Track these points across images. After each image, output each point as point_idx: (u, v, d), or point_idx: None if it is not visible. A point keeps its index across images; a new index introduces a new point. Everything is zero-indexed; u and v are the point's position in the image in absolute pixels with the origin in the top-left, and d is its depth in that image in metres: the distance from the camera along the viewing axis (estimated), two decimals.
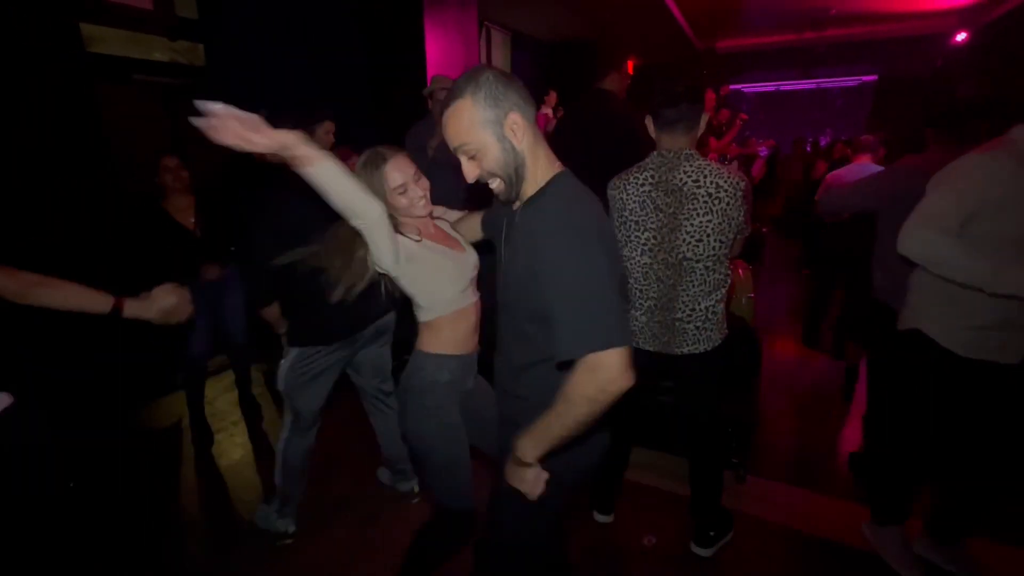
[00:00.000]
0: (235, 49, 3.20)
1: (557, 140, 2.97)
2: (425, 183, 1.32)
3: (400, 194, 1.27)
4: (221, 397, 3.06)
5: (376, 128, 3.89)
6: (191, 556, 1.97)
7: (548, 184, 1.01)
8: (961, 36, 7.29)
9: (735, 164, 4.60)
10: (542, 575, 1.28)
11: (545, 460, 1.02)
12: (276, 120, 0.98)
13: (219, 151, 1.95)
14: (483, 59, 6.43)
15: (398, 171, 1.26)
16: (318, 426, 1.97)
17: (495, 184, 1.02)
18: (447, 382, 1.33)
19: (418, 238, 1.29)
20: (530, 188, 1.03)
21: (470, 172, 1.01)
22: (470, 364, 1.42)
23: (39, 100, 2.51)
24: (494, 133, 0.96)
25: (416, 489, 2.21)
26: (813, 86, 10.38)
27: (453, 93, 0.97)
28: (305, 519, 2.05)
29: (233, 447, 2.64)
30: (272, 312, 1.89)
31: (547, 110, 5.08)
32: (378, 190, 1.24)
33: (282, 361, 1.84)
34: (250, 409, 2.92)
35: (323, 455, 2.52)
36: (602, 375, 0.86)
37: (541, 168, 1.02)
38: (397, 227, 1.25)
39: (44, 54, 2.51)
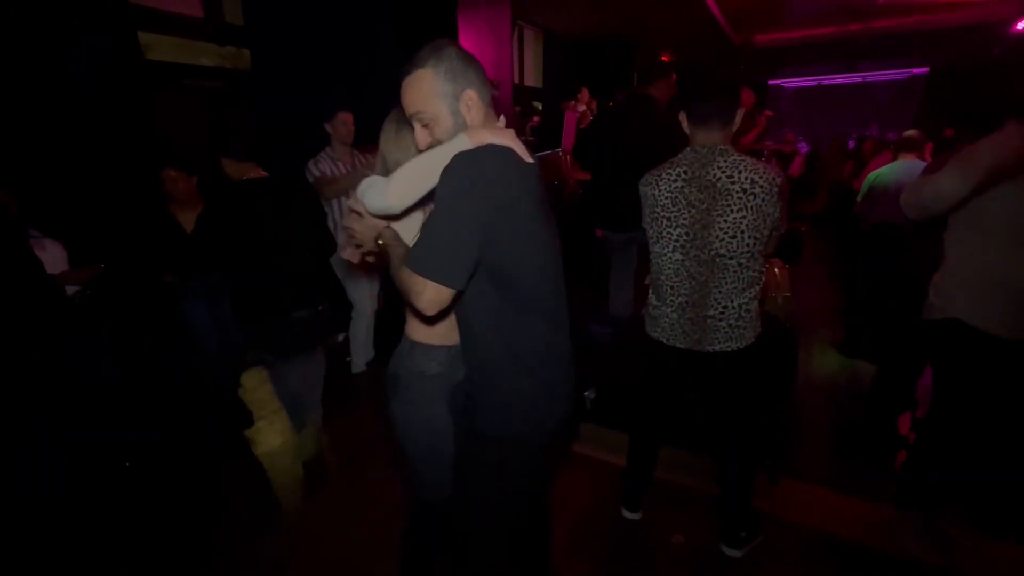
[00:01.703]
0: (278, 53, 3.34)
1: (595, 138, 3.01)
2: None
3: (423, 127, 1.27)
4: (261, 388, 3.19)
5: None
6: (222, 545, 2.05)
7: (479, 148, 0.99)
8: (1022, 24, 6.86)
9: (773, 161, 4.48)
10: (508, 540, 1.24)
11: (507, 424, 1.10)
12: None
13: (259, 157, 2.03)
14: (515, 57, 6.46)
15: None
16: None
17: None
18: (434, 375, 1.28)
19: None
20: None
21: (422, 139, 1.06)
22: (457, 353, 1.36)
23: (104, 106, 2.69)
24: (449, 106, 1.01)
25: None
26: (858, 80, 9.95)
27: (415, 61, 1.01)
28: (333, 512, 2.13)
29: (273, 435, 2.76)
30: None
31: (581, 107, 5.06)
32: (408, 148, 1.23)
33: None
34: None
35: (351, 449, 2.62)
36: (415, 294, 0.97)
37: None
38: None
39: (108, 63, 2.68)
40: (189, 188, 2.59)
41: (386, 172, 1.24)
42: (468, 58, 1.02)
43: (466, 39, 4.65)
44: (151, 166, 2.93)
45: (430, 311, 0.98)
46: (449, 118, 1.02)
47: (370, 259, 1.25)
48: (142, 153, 2.88)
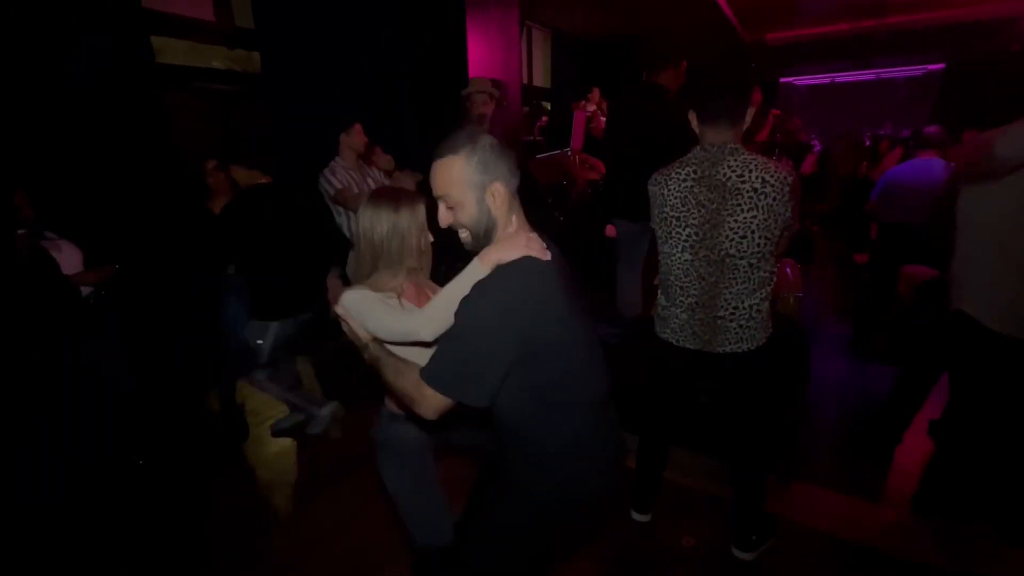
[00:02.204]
0: (287, 56, 3.36)
1: (613, 132, 3.01)
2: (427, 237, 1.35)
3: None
4: None
5: (417, 128, 4.00)
6: (229, 544, 2.07)
7: (496, 272, 1.02)
8: None
9: (784, 159, 4.43)
10: None
11: (542, 508, 1.12)
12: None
13: (267, 155, 2.07)
14: (524, 57, 6.46)
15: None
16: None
17: (464, 234, 1.10)
18: (414, 438, 1.37)
19: (386, 293, 1.30)
20: None
21: (444, 218, 1.10)
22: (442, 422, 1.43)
23: (117, 109, 2.73)
24: (475, 195, 1.04)
25: (329, 413, 2.58)
26: (872, 77, 9.79)
27: (449, 147, 1.04)
28: (341, 511, 2.14)
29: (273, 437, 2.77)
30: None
31: (591, 107, 5.04)
32: (401, 232, 1.29)
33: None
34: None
35: (359, 448, 2.62)
36: (420, 403, 1.02)
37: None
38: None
39: (121, 66, 2.72)
40: (226, 181, 2.65)
41: (362, 257, 1.31)
42: (501, 151, 1.05)
43: (475, 39, 4.65)
44: (164, 167, 2.98)
45: (432, 418, 1.03)
46: (474, 206, 1.05)
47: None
48: (155, 154, 2.92)
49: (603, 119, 4.73)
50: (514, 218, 1.10)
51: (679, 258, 1.59)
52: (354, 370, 3.07)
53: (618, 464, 1.20)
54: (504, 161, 1.05)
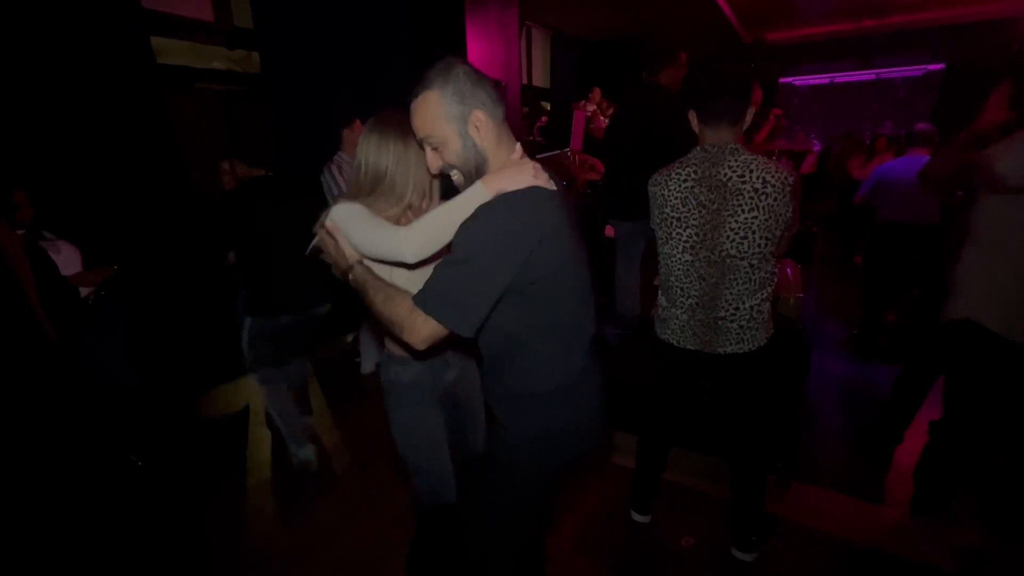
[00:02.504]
0: (287, 55, 3.36)
1: (613, 134, 3.02)
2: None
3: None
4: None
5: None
6: (232, 544, 2.07)
7: (499, 199, 0.97)
8: None
9: (784, 160, 4.42)
10: (520, 554, 1.24)
11: (536, 457, 1.10)
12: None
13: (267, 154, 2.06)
14: (523, 57, 6.46)
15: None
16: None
17: (455, 176, 1.05)
18: (408, 382, 1.32)
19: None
20: None
21: (433, 162, 1.04)
22: (441, 363, 1.38)
23: (117, 110, 2.72)
24: (458, 128, 0.98)
25: (312, 458, 2.46)
26: (872, 77, 9.78)
27: (422, 83, 0.98)
28: (343, 512, 2.14)
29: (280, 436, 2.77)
30: None
31: (591, 107, 5.04)
32: (388, 155, 1.21)
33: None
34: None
35: (361, 449, 2.63)
36: (410, 330, 0.97)
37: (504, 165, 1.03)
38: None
39: (121, 67, 2.72)
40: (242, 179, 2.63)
41: (360, 179, 1.21)
42: (477, 77, 0.99)
43: (474, 39, 4.65)
44: (165, 167, 2.98)
45: (421, 347, 0.98)
46: (458, 141, 0.99)
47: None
48: (156, 155, 2.92)
49: (603, 119, 4.74)
50: (504, 152, 1.04)
51: (679, 259, 1.58)
52: (355, 373, 3.07)
53: (603, 411, 1.17)
54: (482, 88, 0.98)
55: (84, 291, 2.31)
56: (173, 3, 3.13)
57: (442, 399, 1.42)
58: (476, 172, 1.02)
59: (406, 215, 1.25)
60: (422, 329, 0.95)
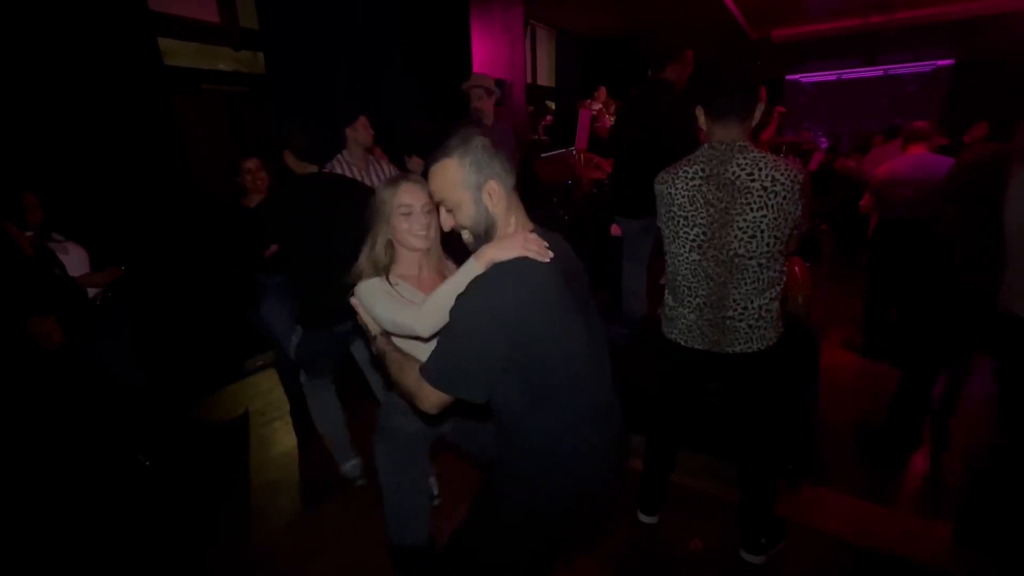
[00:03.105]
0: (292, 56, 3.37)
1: (619, 132, 3.01)
2: (435, 223, 1.35)
3: (403, 215, 1.33)
4: (277, 389, 3.23)
5: (422, 127, 3.99)
6: (237, 546, 2.06)
7: (491, 270, 1.01)
8: None
9: (791, 157, 4.38)
10: None
11: (533, 522, 1.11)
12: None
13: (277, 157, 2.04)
14: (528, 57, 6.44)
15: (410, 194, 1.34)
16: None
17: (466, 235, 1.12)
18: (414, 431, 1.37)
19: (396, 281, 1.34)
20: None
21: (446, 222, 1.13)
22: (439, 418, 1.39)
23: (124, 111, 2.74)
24: (472, 195, 1.06)
25: (359, 473, 2.31)
26: (880, 73, 9.69)
27: (444, 150, 1.06)
28: (347, 514, 2.15)
29: (288, 435, 2.78)
30: None
31: (596, 106, 5.02)
32: (387, 204, 1.34)
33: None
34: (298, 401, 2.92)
35: (365, 452, 2.62)
36: (421, 398, 1.05)
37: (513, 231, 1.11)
38: (391, 260, 1.37)
39: (128, 69, 2.73)
40: (263, 180, 2.60)
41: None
42: (494, 149, 1.06)
43: (479, 39, 4.64)
44: (173, 168, 2.99)
45: (433, 411, 1.06)
46: (472, 206, 1.06)
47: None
48: (164, 156, 2.93)
49: (608, 118, 4.72)
50: (513, 219, 1.10)
51: (687, 258, 1.57)
52: (360, 374, 3.06)
53: (618, 471, 1.17)
54: (498, 160, 1.06)
55: (92, 292, 2.32)
56: (179, 5, 3.14)
57: (434, 443, 1.50)
58: (485, 234, 1.09)
59: (428, 267, 1.43)
60: (430, 397, 1.03)
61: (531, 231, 1.07)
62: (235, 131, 3.71)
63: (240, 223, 2.48)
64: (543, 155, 4.38)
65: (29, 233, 2.10)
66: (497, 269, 1.00)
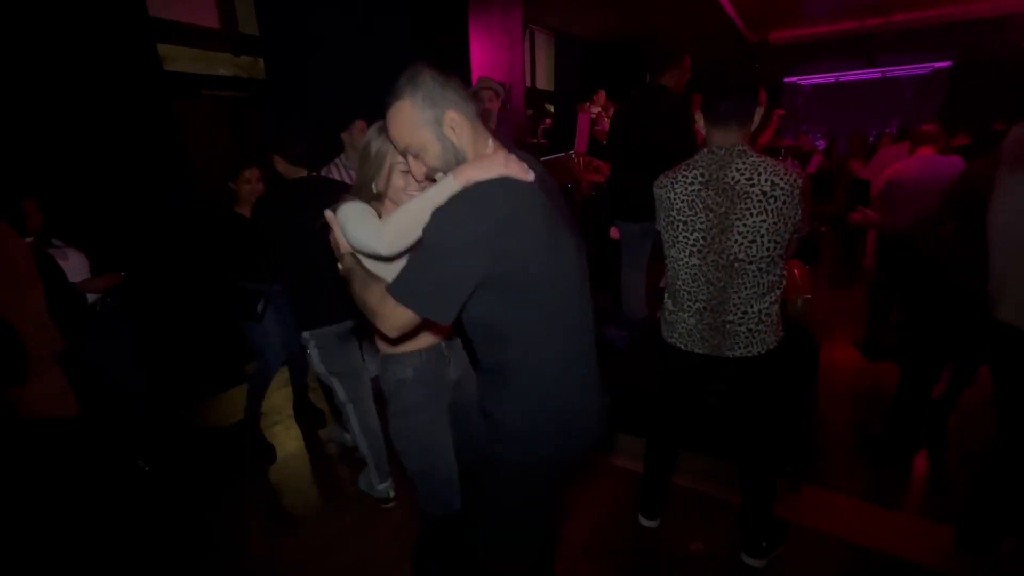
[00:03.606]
0: (292, 61, 3.38)
1: (617, 136, 3.01)
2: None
3: (404, 171, 1.25)
4: (277, 392, 3.22)
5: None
6: (239, 549, 2.07)
7: (469, 188, 0.98)
8: None
9: (789, 160, 4.40)
10: (526, 560, 1.21)
11: (530, 453, 1.07)
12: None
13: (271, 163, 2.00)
14: (527, 60, 6.46)
15: None
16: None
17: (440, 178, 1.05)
18: (411, 379, 1.29)
19: None
20: None
21: (417, 170, 1.05)
22: (442, 354, 1.36)
23: (124, 117, 2.74)
24: (434, 132, 0.99)
25: (391, 494, 2.16)
26: (878, 75, 9.73)
27: (392, 94, 1.00)
28: (350, 516, 2.14)
29: (289, 439, 2.78)
30: None
31: (595, 109, 5.03)
32: (385, 159, 1.26)
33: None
34: (305, 410, 2.94)
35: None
36: (383, 318, 0.99)
37: None
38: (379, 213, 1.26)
39: (128, 75, 2.74)
40: (261, 191, 2.53)
41: (363, 189, 1.28)
42: (445, 78, 0.99)
43: (478, 43, 4.66)
44: (173, 174, 2.99)
45: (393, 334, 1.00)
46: (437, 144, 1.00)
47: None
48: (164, 162, 2.93)
49: (607, 121, 4.73)
50: (490, 141, 1.05)
51: (687, 262, 1.57)
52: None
53: (602, 407, 1.15)
54: (451, 88, 0.99)
55: (91, 298, 2.33)
56: (179, 10, 3.15)
57: (449, 404, 1.40)
58: None
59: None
60: (392, 316, 0.97)
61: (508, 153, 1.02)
62: (235, 136, 3.71)
63: (237, 230, 2.47)
64: (542, 159, 4.39)
65: (29, 239, 2.10)
66: (479, 187, 0.95)
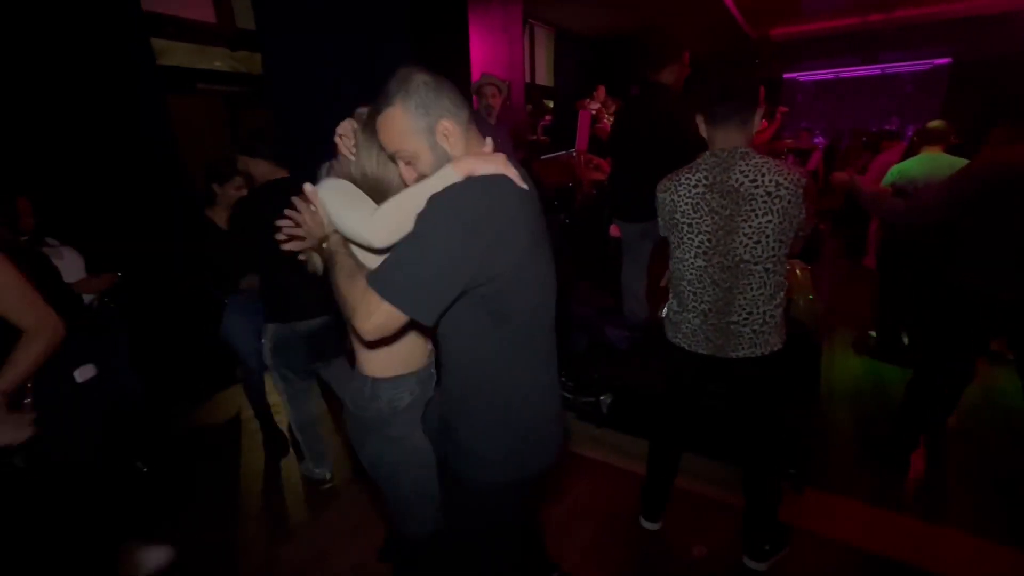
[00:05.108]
0: (290, 56, 3.33)
1: (616, 135, 2.99)
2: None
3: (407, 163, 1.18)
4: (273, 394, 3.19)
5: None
6: (239, 553, 2.04)
7: (468, 180, 0.94)
8: None
9: (790, 158, 4.38)
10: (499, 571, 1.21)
11: (489, 475, 1.06)
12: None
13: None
14: (527, 56, 6.42)
15: None
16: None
17: None
18: (409, 404, 1.20)
19: None
20: None
21: (408, 175, 1.01)
22: (432, 375, 1.29)
23: (117, 112, 2.70)
24: (427, 140, 0.96)
25: (328, 475, 2.38)
26: (878, 72, 9.69)
27: (384, 98, 0.95)
28: (347, 521, 2.13)
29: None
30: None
31: (595, 105, 5.00)
32: (375, 147, 1.14)
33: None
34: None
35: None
36: (362, 314, 0.89)
37: None
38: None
39: (121, 70, 2.69)
40: (244, 194, 2.44)
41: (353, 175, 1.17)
42: (438, 84, 0.96)
43: (478, 38, 4.62)
44: (168, 171, 2.95)
45: (371, 336, 0.90)
46: (429, 153, 0.97)
47: (302, 257, 1.16)
48: (158, 158, 2.90)
49: (608, 118, 4.69)
50: (488, 140, 1.03)
51: (692, 264, 1.55)
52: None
53: (561, 417, 1.15)
54: (445, 95, 0.96)
55: (87, 298, 2.30)
56: (175, 4, 3.10)
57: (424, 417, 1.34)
58: None
59: None
60: (374, 314, 0.87)
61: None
62: (231, 132, 3.67)
63: (207, 236, 2.43)
64: (543, 157, 4.36)
65: (23, 239, 2.07)
66: (478, 181, 0.92)
